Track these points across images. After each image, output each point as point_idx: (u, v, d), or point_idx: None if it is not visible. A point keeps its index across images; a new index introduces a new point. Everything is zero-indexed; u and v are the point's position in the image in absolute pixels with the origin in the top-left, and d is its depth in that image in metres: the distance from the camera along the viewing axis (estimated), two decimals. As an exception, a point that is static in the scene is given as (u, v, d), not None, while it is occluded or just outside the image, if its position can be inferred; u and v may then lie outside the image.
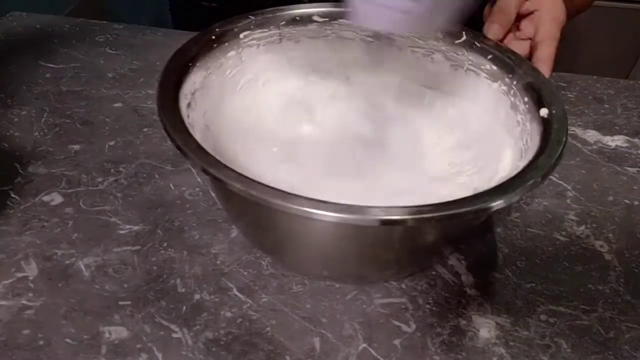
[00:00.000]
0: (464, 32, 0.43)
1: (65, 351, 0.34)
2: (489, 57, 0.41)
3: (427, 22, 0.34)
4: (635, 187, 0.48)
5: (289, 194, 0.28)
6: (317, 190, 0.38)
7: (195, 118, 0.37)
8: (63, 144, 0.50)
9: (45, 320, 0.35)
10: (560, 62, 0.43)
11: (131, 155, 0.49)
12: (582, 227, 0.44)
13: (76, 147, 0.50)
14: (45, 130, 0.51)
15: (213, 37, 0.42)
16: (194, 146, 0.31)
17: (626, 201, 0.47)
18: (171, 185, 0.46)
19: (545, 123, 0.34)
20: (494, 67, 0.41)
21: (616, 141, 0.54)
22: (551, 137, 0.33)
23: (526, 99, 0.37)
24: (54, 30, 0.68)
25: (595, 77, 0.64)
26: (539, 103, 0.36)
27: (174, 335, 0.35)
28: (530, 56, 0.43)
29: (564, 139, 0.32)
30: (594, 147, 0.53)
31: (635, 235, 0.44)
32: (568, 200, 0.47)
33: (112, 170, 0.47)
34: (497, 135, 0.39)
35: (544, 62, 0.41)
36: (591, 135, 0.54)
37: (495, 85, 0.41)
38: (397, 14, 0.32)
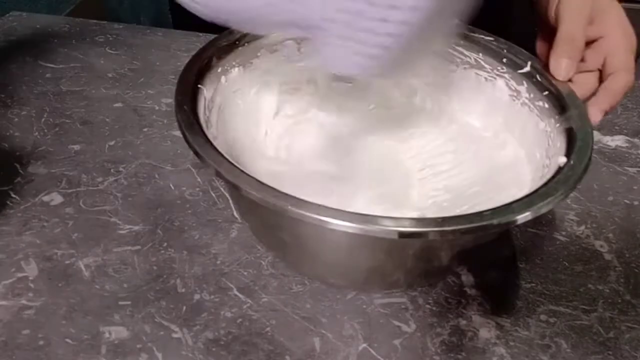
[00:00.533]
0: (529, 62, 0.40)
1: (65, 351, 0.34)
2: (545, 92, 0.38)
3: (397, 65, 0.31)
4: (635, 187, 0.48)
5: (305, 201, 0.28)
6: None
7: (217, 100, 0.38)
8: (63, 144, 0.50)
9: (45, 320, 0.35)
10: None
11: (131, 155, 0.49)
12: (582, 227, 0.44)
13: (76, 147, 0.50)
14: (45, 130, 0.51)
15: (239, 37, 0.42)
16: (210, 149, 0.31)
17: (626, 201, 0.47)
18: (171, 185, 0.46)
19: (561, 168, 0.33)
20: (546, 105, 0.38)
21: (616, 141, 0.54)
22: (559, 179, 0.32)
23: (559, 144, 0.35)
24: (54, 30, 0.68)
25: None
26: (568, 150, 0.34)
27: (174, 335, 0.35)
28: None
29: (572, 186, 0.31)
30: (594, 147, 0.53)
31: (635, 235, 0.44)
32: (568, 200, 0.47)
33: (112, 170, 0.47)
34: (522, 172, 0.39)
35: (611, 95, 0.37)
36: (591, 135, 0.54)
37: (542, 124, 0.38)
38: (365, 59, 0.29)
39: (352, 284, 0.39)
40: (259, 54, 0.43)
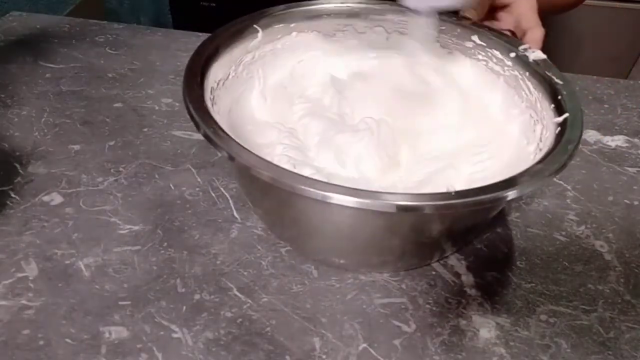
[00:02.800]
0: (567, 113, 0.37)
1: (65, 351, 0.34)
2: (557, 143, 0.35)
3: None
4: (635, 187, 0.48)
5: (309, 179, 0.29)
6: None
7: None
8: (63, 144, 0.50)
9: (45, 320, 0.35)
10: (560, 62, 0.43)
11: (131, 155, 0.49)
12: (582, 227, 0.44)
13: (76, 147, 0.50)
14: (45, 130, 0.51)
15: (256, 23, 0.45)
16: (220, 132, 0.33)
17: (626, 201, 0.47)
18: (171, 185, 0.46)
19: (562, 127, 0.35)
20: (539, 153, 0.37)
21: (616, 141, 0.54)
22: (563, 139, 0.33)
23: (550, 104, 0.38)
24: (54, 30, 0.68)
25: (595, 77, 0.63)
26: (558, 109, 0.37)
27: (174, 335, 0.35)
28: None
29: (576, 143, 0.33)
30: (594, 147, 0.53)
31: (635, 235, 0.44)
32: (568, 200, 0.47)
33: (112, 170, 0.47)
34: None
35: (533, 45, 0.44)
36: (591, 135, 0.54)
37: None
38: None
39: (356, 262, 0.40)
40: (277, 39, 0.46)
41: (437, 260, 0.41)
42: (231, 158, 0.31)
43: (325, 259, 0.40)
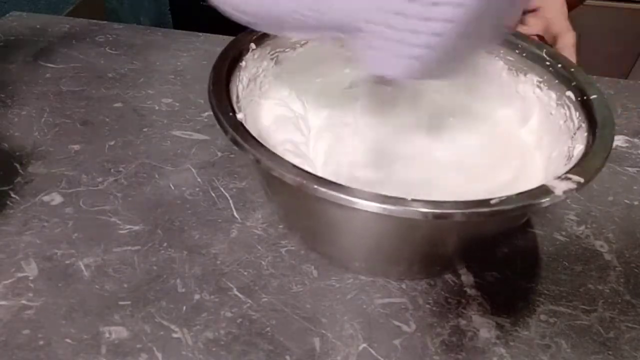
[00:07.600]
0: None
1: (65, 351, 0.34)
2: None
3: (443, 67, 0.29)
4: (635, 187, 0.48)
5: (334, 183, 0.29)
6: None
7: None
8: (63, 144, 0.50)
9: (45, 320, 0.35)
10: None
11: (131, 155, 0.49)
12: (582, 227, 0.44)
13: (76, 147, 0.50)
14: (45, 130, 0.51)
15: None
16: (247, 136, 0.32)
17: (626, 201, 0.47)
18: (171, 185, 0.46)
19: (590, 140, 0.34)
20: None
21: (616, 141, 0.54)
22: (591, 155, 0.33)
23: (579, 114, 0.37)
24: (54, 30, 0.68)
25: (595, 77, 0.63)
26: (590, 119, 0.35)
27: (174, 335, 0.35)
28: None
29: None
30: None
31: (635, 235, 0.44)
32: (568, 200, 0.47)
33: (112, 170, 0.47)
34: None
35: (568, 51, 0.43)
36: (591, 135, 0.54)
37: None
38: (408, 60, 0.27)
39: (377, 270, 0.39)
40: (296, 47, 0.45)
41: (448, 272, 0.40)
42: (257, 162, 0.31)
43: (331, 256, 0.40)
